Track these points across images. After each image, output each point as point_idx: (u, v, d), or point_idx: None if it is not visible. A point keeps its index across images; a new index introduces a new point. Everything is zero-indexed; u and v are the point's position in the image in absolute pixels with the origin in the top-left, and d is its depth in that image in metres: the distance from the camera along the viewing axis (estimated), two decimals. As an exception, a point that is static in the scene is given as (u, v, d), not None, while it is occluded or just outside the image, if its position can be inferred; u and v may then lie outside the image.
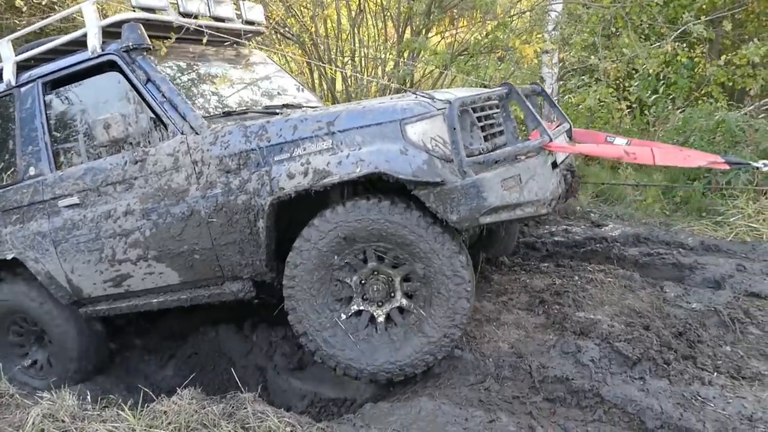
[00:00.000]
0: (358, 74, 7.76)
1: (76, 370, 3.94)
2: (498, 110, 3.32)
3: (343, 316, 3.08)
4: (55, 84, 3.65)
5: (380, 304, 3.05)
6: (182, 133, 3.22)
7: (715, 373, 2.80)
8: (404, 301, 3.02)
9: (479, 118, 3.12)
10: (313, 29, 7.71)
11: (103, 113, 3.26)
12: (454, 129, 2.76)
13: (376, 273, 3.02)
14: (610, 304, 3.47)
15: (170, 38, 3.53)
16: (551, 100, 4.04)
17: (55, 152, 3.63)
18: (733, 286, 3.77)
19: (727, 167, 3.35)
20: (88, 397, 3.35)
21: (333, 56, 7.92)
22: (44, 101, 3.66)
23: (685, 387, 2.66)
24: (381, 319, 3.06)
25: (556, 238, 5.01)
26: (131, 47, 3.31)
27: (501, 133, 3.29)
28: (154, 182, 3.29)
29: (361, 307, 3.08)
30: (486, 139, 3.12)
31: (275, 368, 3.78)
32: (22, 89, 3.71)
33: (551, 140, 3.00)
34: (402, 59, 7.41)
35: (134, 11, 3.41)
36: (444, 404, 2.72)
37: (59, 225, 3.56)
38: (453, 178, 2.73)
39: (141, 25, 3.36)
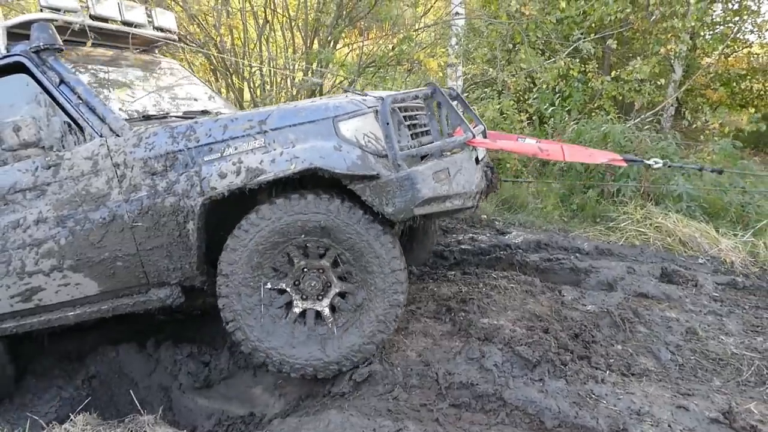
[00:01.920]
0: (266, 83, 7.66)
1: None
2: (421, 111, 3.41)
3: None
4: None
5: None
6: (101, 136, 3.07)
7: (608, 371, 2.96)
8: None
9: (405, 118, 3.21)
10: (217, 39, 7.53)
11: (10, 117, 3.04)
12: (388, 124, 2.85)
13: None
14: (513, 309, 3.59)
15: (81, 42, 3.36)
16: (466, 104, 4.18)
17: None
18: (623, 287, 4.03)
19: (625, 164, 3.59)
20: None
21: (240, 67, 7.77)
22: None
23: (580, 386, 2.79)
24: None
25: (463, 246, 5.15)
26: (42, 48, 3.12)
27: (426, 132, 3.37)
28: (70, 187, 3.10)
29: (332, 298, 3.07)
30: (412, 137, 3.21)
31: (180, 387, 3.61)
32: None
33: (474, 137, 3.13)
34: (311, 70, 7.38)
35: (41, 11, 3.22)
36: (353, 416, 2.69)
37: None
38: (387, 172, 2.79)
39: (51, 24, 3.18)
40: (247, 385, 3.45)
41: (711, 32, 8.04)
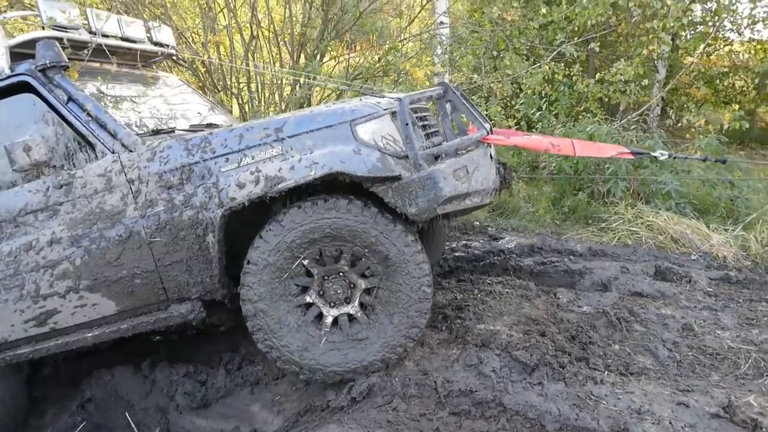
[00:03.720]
0: (254, 98, 7.67)
1: None
2: (428, 112, 3.44)
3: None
4: None
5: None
6: (113, 152, 3.03)
7: (606, 372, 2.95)
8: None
9: (417, 119, 3.23)
10: (205, 55, 7.54)
11: (18, 138, 2.98)
12: (407, 124, 2.86)
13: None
14: (509, 314, 3.59)
15: (80, 59, 3.35)
16: (471, 103, 4.21)
17: None
18: (618, 287, 4.04)
19: (632, 156, 3.66)
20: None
21: (228, 83, 7.78)
22: None
23: (579, 388, 2.79)
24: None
25: (456, 254, 5.15)
26: (48, 65, 3.08)
27: (435, 133, 3.40)
28: (84, 206, 3.06)
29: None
30: (426, 137, 3.24)
31: (177, 408, 3.58)
32: None
33: (489, 133, 3.16)
34: (299, 83, 7.40)
35: (43, 29, 3.22)
36: (352, 429, 2.67)
37: None
38: (408, 172, 2.81)
39: (57, 42, 3.15)
40: (245, 403, 3.42)
41: (692, 32, 8.12)
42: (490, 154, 3.29)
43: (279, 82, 7.71)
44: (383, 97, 3.14)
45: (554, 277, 4.43)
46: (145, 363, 3.83)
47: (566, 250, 4.97)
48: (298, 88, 7.28)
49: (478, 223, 6.06)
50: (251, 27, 7.47)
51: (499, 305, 3.74)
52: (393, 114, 2.97)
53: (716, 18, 8.00)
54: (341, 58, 8.36)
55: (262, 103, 7.78)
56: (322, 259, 2.99)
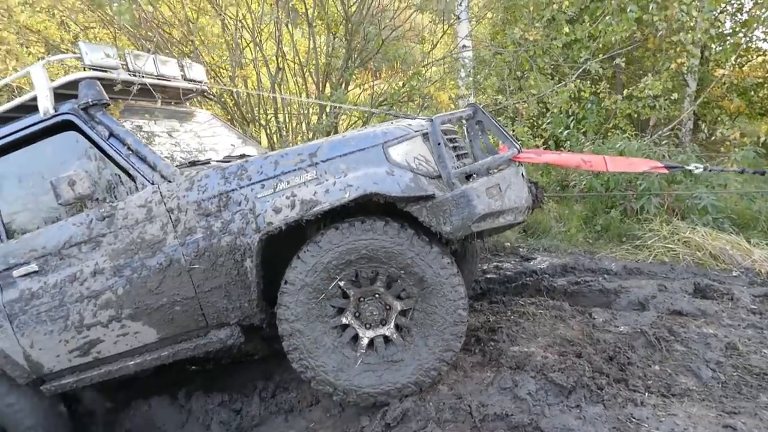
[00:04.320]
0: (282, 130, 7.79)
1: None
2: (456, 134, 3.48)
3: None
4: (2, 151, 3.43)
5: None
6: (153, 183, 3.13)
7: (647, 393, 2.85)
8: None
9: (447, 140, 3.25)
10: (234, 88, 7.71)
11: (62, 173, 3.09)
12: (439, 144, 2.92)
13: None
14: (543, 335, 3.51)
15: (120, 99, 3.50)
16: (500, 124, 4.22)
17: (5, 221, 3.41)
18: (656, 306, 3.92)
19: (666, 171, 3.60)
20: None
21: (257, 114, 7.93)
22: None
23: (619, 410, 2.70)
24: None
25: (488, 276, 5.09)
26: (90, 104, 3.22)
27: (465, 155, 3.42)
28: (126, 236, 3.15)
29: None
30: (457, 158, 3.26)
31: (213, 438, 3.60)
32: None
33: (520, 152, 3.17)
34: (325, 112, 7.50)
35: (85, 70, 3.35)
36: (387, 456, 2.65)
37: (14, 297, 3.32)
38: (441, 191, 2.83)
39: (98, 81, 3.29)
40: (279, 431, 3.41)
41: (721, 44, 7.99)
42: (522, 173, 3.29)
43: (306, 111, 7.82)
44: (414, 119, 3.17)
45: (589, 297, 4.33)
46: (181, 393, 3.87)
47: (600, 269, 4.87)
48: (324, 117, 7.37)
49: (509, 244, 6.00)
50: (277, 60, 7.62)
51: (533, 327, 3.67)
52: (424, 135, 3.01)
53: (747, 29, 7.87)
54: (366, 86, 8.46)
55: (290, 132, 7.90)
56: (358, 281, 3.00)
